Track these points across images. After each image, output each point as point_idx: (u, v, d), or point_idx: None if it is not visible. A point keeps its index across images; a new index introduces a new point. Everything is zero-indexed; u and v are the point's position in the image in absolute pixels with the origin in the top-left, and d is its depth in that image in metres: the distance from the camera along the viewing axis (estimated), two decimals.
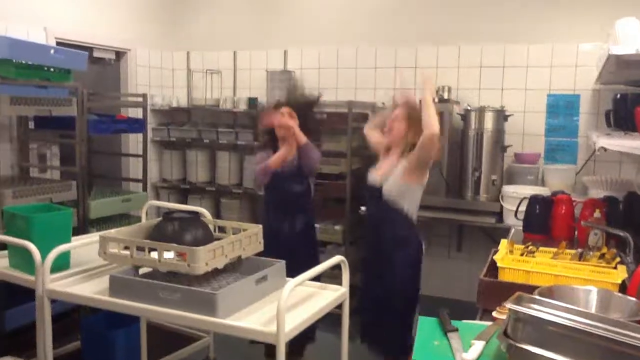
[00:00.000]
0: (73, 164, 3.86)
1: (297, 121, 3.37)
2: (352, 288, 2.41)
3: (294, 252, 2.96)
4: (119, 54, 5.07)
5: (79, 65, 3.75)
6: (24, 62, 3.42)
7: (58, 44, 4.20)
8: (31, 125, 4.05)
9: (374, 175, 3.09)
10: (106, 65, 4.99)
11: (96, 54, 4.74)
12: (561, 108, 4.34)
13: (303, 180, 3.44)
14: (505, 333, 1.52)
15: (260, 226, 2.50)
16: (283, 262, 2.43)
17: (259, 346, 3.38)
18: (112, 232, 2.50)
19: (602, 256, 2.34)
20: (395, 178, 2.96)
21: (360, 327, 3.17)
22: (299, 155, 3.36)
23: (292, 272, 2.19)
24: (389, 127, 3.06)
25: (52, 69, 3.60)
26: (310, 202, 3.54)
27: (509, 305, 1.50)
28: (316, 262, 3.11)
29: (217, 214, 5.03)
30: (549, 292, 1.77)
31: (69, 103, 3.62)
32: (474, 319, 1.97)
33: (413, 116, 2.97)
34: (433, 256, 4.53)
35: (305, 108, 3.50)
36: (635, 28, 2.35)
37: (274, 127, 3.39)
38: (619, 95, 3.38)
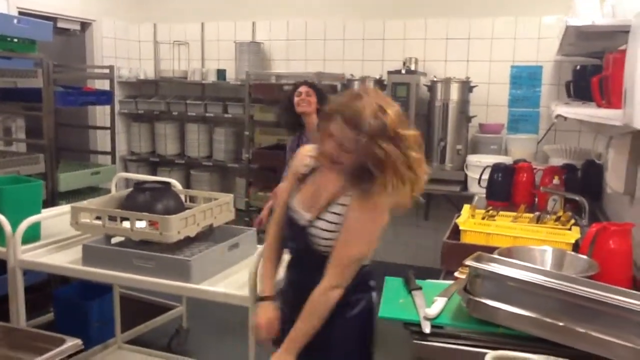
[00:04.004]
0: (39, 137, 3.80)
1: (315, 99, 3.28)
2: None
3: None
4: (84, 25, 4.97)
5: (44, 35, 3.69)
6: None
7: (20, 14, 4.08)
8: None
9: None
10: (71, 37, 4.89)
11: (60, 25, 4.64)
12: (524, 79, 4.45)
13: None
14: (465, 289, 1.62)
15: (232, 195, 2.56)
16: (254, 229, 2.49)
17: (232, 315, 3.45)
18: (84, 202, 2.52)
19: (558, 219, 2.46)
20: None
21: None
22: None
23: None
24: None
25: (15, 40, 3.53)
26: None
27: (468, 262, 1.59)
28: None
29: (187, 187, 5.03)
30: (508, 253, 1.87)
31: (34, 75, 3.56)
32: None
33: None
34: (402, 225, 4.65)
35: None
36: (594, 1, 2.42)
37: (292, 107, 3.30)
38: (578, 67, 3.48)
